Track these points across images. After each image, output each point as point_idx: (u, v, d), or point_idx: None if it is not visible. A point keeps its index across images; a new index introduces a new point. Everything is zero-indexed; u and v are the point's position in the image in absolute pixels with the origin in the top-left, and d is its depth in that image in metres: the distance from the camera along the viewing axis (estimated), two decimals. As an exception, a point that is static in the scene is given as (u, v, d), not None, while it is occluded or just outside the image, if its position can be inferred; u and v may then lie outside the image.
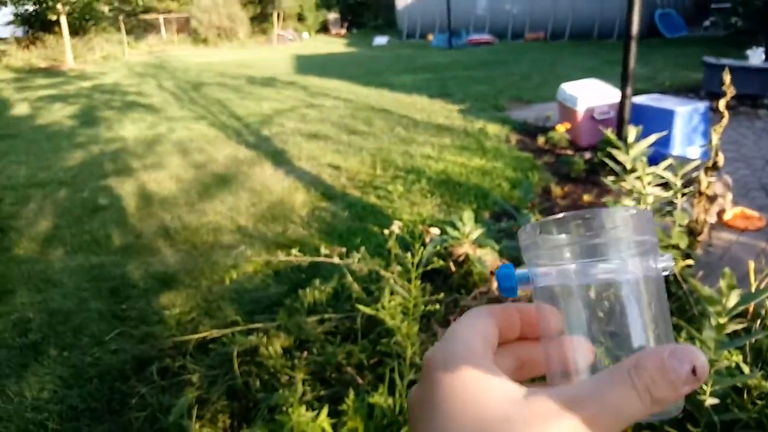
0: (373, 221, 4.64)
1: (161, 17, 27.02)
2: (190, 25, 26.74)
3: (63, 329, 3.23)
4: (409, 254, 2.14)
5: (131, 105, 11.08)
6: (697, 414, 1.88)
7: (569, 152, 6.28)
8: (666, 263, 0.37)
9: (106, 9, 22.52)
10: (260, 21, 28.94)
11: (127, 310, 3.38)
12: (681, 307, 2.75)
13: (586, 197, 5.08)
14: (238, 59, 19.92)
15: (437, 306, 2.21)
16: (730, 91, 2.81)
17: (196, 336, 2.69)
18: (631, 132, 2.86)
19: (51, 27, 20.77)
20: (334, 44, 25.26)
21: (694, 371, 0.32)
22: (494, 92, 10.21)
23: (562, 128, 6.47)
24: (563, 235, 0.37)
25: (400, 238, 2.60)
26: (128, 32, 24.43)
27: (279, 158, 6.77)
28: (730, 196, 4.66)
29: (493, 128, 7.50)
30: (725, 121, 2.89)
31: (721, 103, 2.86)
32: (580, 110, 6.25)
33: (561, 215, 0.38)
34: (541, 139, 6.70)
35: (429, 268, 2.29)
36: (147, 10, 26.04)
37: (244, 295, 3.44)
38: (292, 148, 7.16)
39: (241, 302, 3.34)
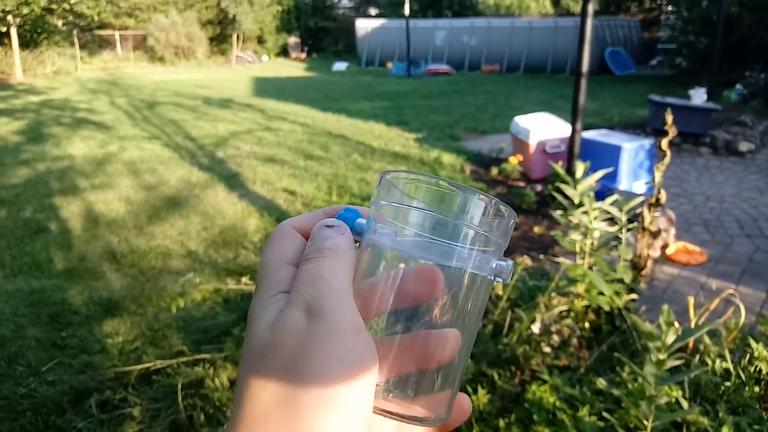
0: (327, 248, 4.61)
1: (117, 33, 26.57)
2: (146, 42, 26.36)
3: (-4, 358, 3.08)
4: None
5: (81, 122, 10.80)
6: (639, 449, 1.92)
7: (521, 184, 6.43)
8: (503, 270, 0.36)
9: (59, 23, 21.99)
10: (219, 41, 28.79)
11: (67, 337, 3.24)
12: (624, 341, 2.81)
13: (537, 229, 5.18)
14: (195, 79, 19.71)
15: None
16: (672, 131, 2.94)
17: (139, 366, 2.60)
18: (579, 167, 2.95)
19: (0, 39, 20.15)
20: (294, 68, 25.31)
21: None
22: (450, 122, 10.39)
23: (514, 160, 6.63)
24: (419, 201, 0.36)
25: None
26: (82, 47, 23.90)
27: (233, 181, 6.69)
28: (673, 231, 4.84)
29: (448, 158, 7.61)
30: (668, 159, 3.01)
31: (664, 142, 2.98)
32: (532, 143, 6.42)
33: (434, 178, 0.36)
34: (494, 170, 6.83)
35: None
36: (102, 25, 25.57)
37: (191, 323, 3.35)
38: (247, 172, 7.09)
39: (188, 331, 3.25)
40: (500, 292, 3.04)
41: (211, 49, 28.12)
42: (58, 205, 5.76)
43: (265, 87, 17.07)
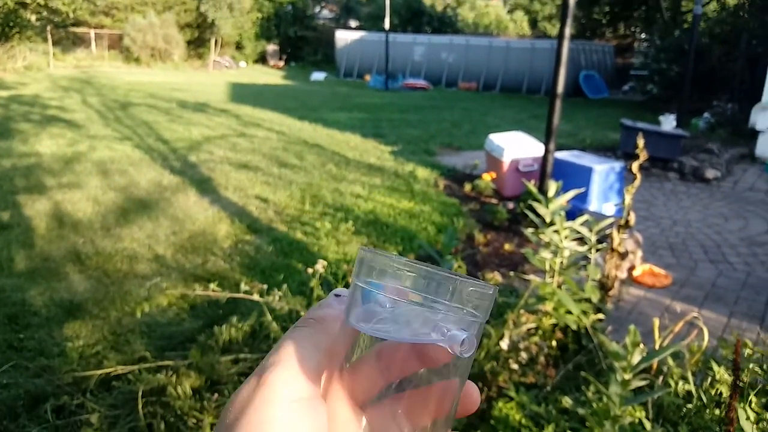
0: (298, 258, 4.58)
1: (92, 32, 26.14)
2: (122, 42, 26.00)
3: (-52, 358, 2.96)
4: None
5: (51, 119, 10.57)
6: (602, 469, 1.93)
7: (494, 201, 6.48)
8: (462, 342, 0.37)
9: (33, 18, 21.55)
10: (197, 45, 28.54)
11: (25, 339, 3.14)
12: (591, 360, 2.84)
13: (507, 246, 5.23)
14: (170, 81, 19.49)
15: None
16: (643, 155, 3.00)
17: (99, 372, 2.53)
18: (552, 187, 2.99)
19: (-31, 30, 19.67)
20: (271, 75, 25.23)
21: None
22: (426, 137, 10.45)
23: (488, 177, 6.69)
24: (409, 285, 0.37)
25: (323, 278, 2.58)
26: (55, 43, 23.43)
27: (205, 186, 6.60)
28: (639, 253, 4.93)
29: (422, 172, 7.65)
30: (638, 182, 3.07)
31: (635, 166, 3.04)
32: (506, 161, 6.49)
33: (416, 264, 0.37)
34: (467, 186, 6.88)
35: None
36: (78, 23, 25.14)
37: (155, 329, 3.28)
38: (220, 177, 7.02)
39: (152, 337, 3.18)
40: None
41: (188, 52, 27.85)
42: (23, 203, 5.61)
43: (242, 93, 16.97)
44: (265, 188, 6.62)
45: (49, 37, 22.65)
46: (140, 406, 2.23)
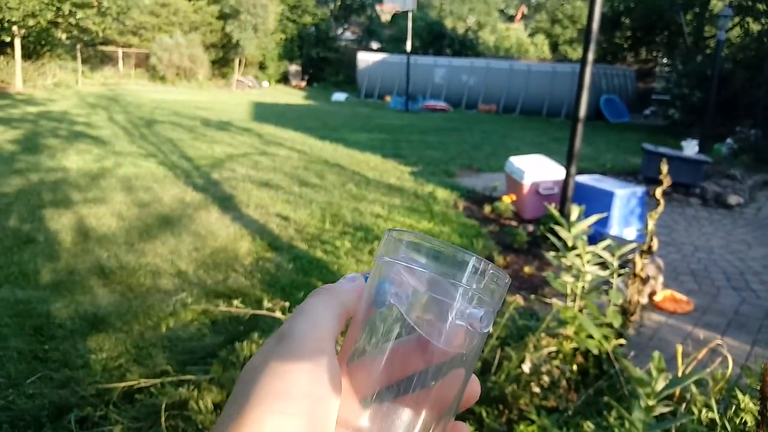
0: (318, 276, 4.61)
1: (120, 50, 26.80)
2: (149, 61, 26.58)
3: (-24, 367, 3.02)
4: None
5: (78, 135, 10.81)
6: (624, 496, 1.90)
7: (513, 223, 6.47)
8: (481, 318, 0.38)
9: (63, 36, 22.17)
10: (221, 65, 29.08)
11: (50, 351, 3.20)
12: (612, 385, 2.81)
13: (527, 269, 5.21)
14: (194, 100, 19.85)
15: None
16: (667, 180, 2.99)
17: (122, 384, 2.57)
18: (574, 211, 2.99)
19: (3, 48, 20.26)
20: (293, 95, 25.57)
21: None
22: (446, 158, 10.50)
23: (507, 199, 6.69)
24: (421, 261, 0.38)
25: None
26: (84, 61, 24.06)
27: (227, 204, 6.69)
28: (661, 278, 4.88)
29: (442, 193, 7.67)
30: (661, 207, 3.06)
31: (658, 191, 3.04)
32: (526, 184, 6.49)
33: (435, 240, 0.38)
34: (487, 208, 6.89)
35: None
36: (106, 42, 25.79)
37: (177, 343, 3.31)
38: (241, 195, 7.11)
39: (174, 351, 3.22)
40: (491, 330, 3.04)
41: (212, 71, 28.38)
42: (49, 217, 5.73)
43: (264, 112, 17.21)
44: (286, 206, 6.69)
45: (79, 55, 23.26)
46: (163, 420, 2.26)
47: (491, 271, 0.38)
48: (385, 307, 0.38)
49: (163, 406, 2.29)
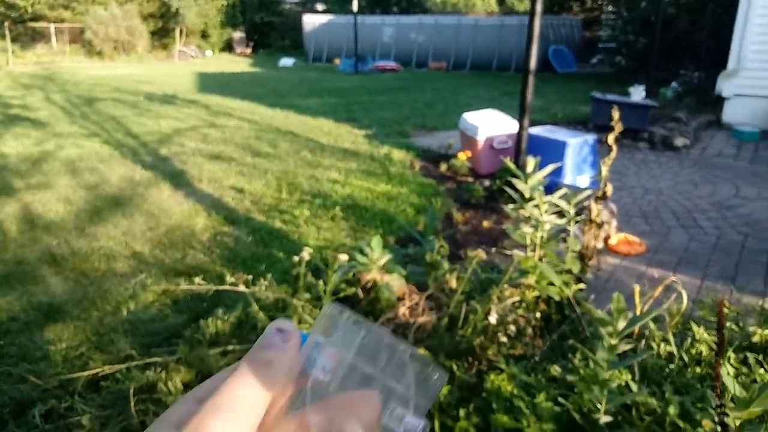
0: (279, 247, 4.56)
1: (52, 26, 25.42)
2: (84, 36, 25.34)
3: (-73, 368, 2.90)
4: (320, 281, 2.11)
5: (14, 119, 10.29)
6: (593, 431, 1.98)
7: (470, 179, 6.52)
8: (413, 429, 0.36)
9: (-13, 14, 20.89)
10: (161, 36, 27.96)
11: (5, 346, 3.09)
12: (574, 329, 2.89)
13: (486, 223, 5.27)
14: (135, 74, 19.09)
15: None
16: (619, 126, 3.04)
17: (85, 373, 2.50)
18: (530, 162, 3.01)
19: None
20: (239, 63, 24.86)
21: None
22: (399, 118, 10.43)
23: (463, 156, 6.71)
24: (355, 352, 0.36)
25: (308, 265, 2.57)
26: (14, 40, 22.75)
27: (178, 180, 6.52)
28: (614, 222, 5.01)
29: (398, 154, 7.65)
30: (614, 153, 3.12)
31: (610, 138, 3.08)
32: (481, 139, 6.52)
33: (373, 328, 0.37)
34: (443, 166, 6.91)
35: (345, 293, 2.28)
36: (36, 17, 24.42)
37: (139, 326, 3.25)
38: (193, 169, 6.93)
39: (136, 334, 3.15)
40: (454, 286, 3.08)
41: (152, 43, 27.28)
42: (-9, 207, 5.48)
43: (210, 82, 16.70)
44: (240, 178, 6.56)
45: (7, 33, 21.97)
46: (132, 404, 2.22)
47: (433, 375, 0.37)
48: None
49: (131, 391, 2.24)
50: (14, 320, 3.39)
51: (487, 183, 6.19)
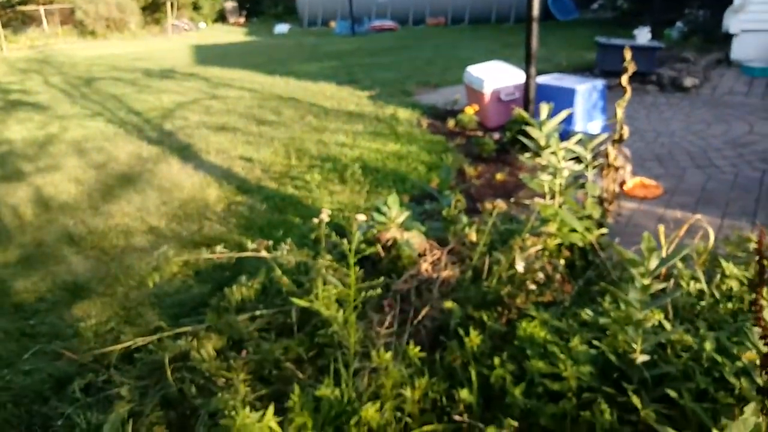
0: (294, 213, 4.56)
1: (42, 8, 25.02)
2: (74, 16, 24.97)
3: (-37, 353, 2.95)
4: (344, 241, 2.11)
5: (15, 104, 10.22)
6: (630, 371, 1.99)
7: (479, 133, 6.45)
8: None
9: (-25, 0, 20.57)
10: (152, 11, 27.50)
11: (37, 325, 3.13)
12: (599, 274, 2.89)
13: (499, 176, 5.23)
14: (131, 51, 18.85)
15: (378, 291, 2.20)
16: (631, 66, 2.97)
17: (118, 346, 2.53)
18: (544, 110, 2.97)
19: None
20: (233, 33, 24.48)
21: None
22: (401, 78, 10.29)
23: (470, 110, 6.63)
24: None
25: (334, 225, 2.58)
26: (5, 26, 22.44)
27: (186, 153, 6.49)
28: (629, 167, 4.97)
29: (403, 113, 7.56)
30: (628, 95, 3.06)
31: (624, 79, 3.02)
32: (487, 92, 6.43)
33: None
34: (451, 122, 6.83)
35: (366, 253, 2.28)
36: (25, 1, 24.04)
37: (165, 298, 3.27)
38: (199, 142, 6.89)
39: (163, 306, 3.18)
40: (474, 239, 3.07)
41: (144, 19, 26.85)
42: (4, 192, 5.49)
43: (207, 54, 16.49)
44: (247, 148, 6.53)
45: (-3, 19, 21.68)
46: (168, 373, 2.25)
47: None
48: None
49: (167, 361, 2.27)
50: (42, 300, 3.42)
51: (496, 136, 6.13)
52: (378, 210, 3.19)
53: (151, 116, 8.54)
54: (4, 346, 2.94)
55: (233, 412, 1.91)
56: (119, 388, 2.31)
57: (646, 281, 1.92)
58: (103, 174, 5.91)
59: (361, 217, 2.80)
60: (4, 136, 7.79)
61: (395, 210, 2.99)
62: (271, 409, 1.89)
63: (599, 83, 6.05)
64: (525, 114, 3.12)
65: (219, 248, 2.60)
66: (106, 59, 16.71)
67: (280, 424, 1.92)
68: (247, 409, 1.89)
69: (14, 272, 3.85)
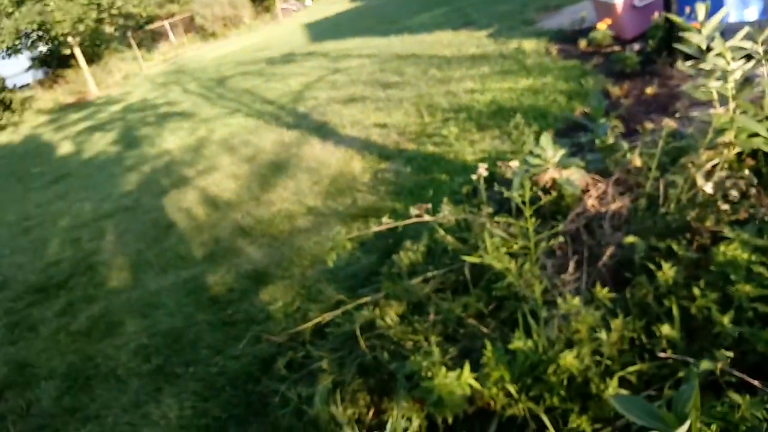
0: (439, 170, 4.56)
1: (166, 23, 27.05)
2: (194, 23, 26.68)
3: (180, 347, 3.34)
4: (512, 192, 2.07)
5: (165, 116, 11.22)
6: None
7: (617, 48, 5.97)
8: None
9: (111, 29, 22.67)
10: (261, 0, 28.58)
11: (233, 314, 3.46)
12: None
13: (649, 90, 4.82)
14: (250, 44, 19.79)
15: (559, 239, 2.14)
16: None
17: (309, 324, 2.72)
18: (701, 8, 2.65)
19: (68, 61, 21.19)
20: (339, 3, 24.72)
21: None
22: (518, 7, 9.78)
23: (603, 26, 6.14)
24: None
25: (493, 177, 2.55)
26: (139, 46, 24.59)
27: (323, 131, 6.72)
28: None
29: (529, 44, 7.20)
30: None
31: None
32: (619, 2, 5.89)
33: None
34: (582, 43, 6.38)
35: (543, 202, 2.23)
36: (150, 20, 26.09)
37: (338, 273, 3.45)
38: (333, 118, 7.10)
39: (338, 281, 3.36)
40: (638, 164, 2.87)
41: (255, 9, 28.01)
42: (176, 198, 6.08)
43: (319, 30, 16.84)
44: (379, 114, 6.61)
45: (132, 42, 23.77)
46: (362, 343, 2.38)
47: None
48: None
49: (358, 331, 2.40)
50: (232, 291, 3.77)
51: (637, 47, 5.63)
52: (531, 152, 3.08)
53: (283, 102, 8.94)
54: (212, 336, 3.29)
55: (429, 374, 1.98)
56: (318, 362, 2.49)
57: None
58: (255, 166, 6.32)
59: (514, 164, 2.73)
60: (163, 148, 8.60)
61: (549, 149, 2.87)
62: (467, 366, 1.93)
63: (751, -40, 5.29)
64: (677, 19, 2.80)
65: (384, 218, 2.68)
66: (230, 57, 17.70)
67: (477, 379, 1.96)
68: (443, 369, 1.95)
69: (203, 269, 4.27)
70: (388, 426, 2.00)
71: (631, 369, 1.83)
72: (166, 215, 5.68)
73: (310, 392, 2.33)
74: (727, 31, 2.86)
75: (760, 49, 2.81)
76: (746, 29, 2.81)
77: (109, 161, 9.03)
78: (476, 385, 1.92)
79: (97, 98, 18.60)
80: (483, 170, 2.49)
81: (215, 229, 4.96)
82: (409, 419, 2.02)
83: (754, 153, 2.69)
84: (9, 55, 19.57)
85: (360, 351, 2.45)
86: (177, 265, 4.51)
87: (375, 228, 2.57)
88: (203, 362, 3.08)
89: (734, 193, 2.12)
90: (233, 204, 5.38)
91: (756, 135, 2.62)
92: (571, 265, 2.30)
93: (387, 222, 2.60)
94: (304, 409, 2.23)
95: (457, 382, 1.93)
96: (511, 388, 1.89)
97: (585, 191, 2.87)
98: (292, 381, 2.51)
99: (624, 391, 1.78)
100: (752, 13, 5.38)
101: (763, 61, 2.84)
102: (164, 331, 3.55)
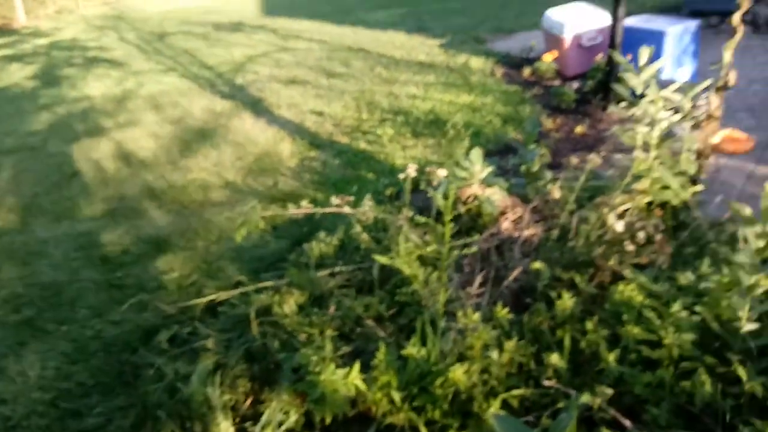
0: (367, 168, 4.51)
1: (113, -35, 25.56)
2: (144, -28, 25.36)
3: (57, 302, 3.11)
4: (437, 196, 2.04)
5: (93, 61, 10.54)
6: (733, 340, 1.85)
7: (557, 83, 6.14)
8: None
9: (53, -41, 21.18)
10: (219, -37, 27.60)
11: (123, 277, 3.25)
12: (692, 235, 2.69)
13: (579, 128, 4.98)
14: (200, 5, 18.99)
15: (473, 249, 2.13)
16: (746, 2, 2.68)
17: (203, 300, 2.59)
18: (644, 53, 2.73)
19: (-4, -18, 19.60)
20: (299, -16, 24.24)
21: None
22: (473, 23, 9.89)
23: (548, 58, 6.30)
24: None
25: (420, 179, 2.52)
26: (79, -17, 23.08)
27: (258, 107, 6.52)
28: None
29: (476, 62, 7.28)
30: (739, 35, 2.78)
31: (736, 17, 2.75)
32: (568, 38, 6.06)
33: None
34: (527, 71, 6.53)
35: (463, 212, 2.20)
36: (97, -43, 24.58)
37: (243, 253, 3.32)
38: (271, 96, 6.90)
39: (243, 261, 3.23)
40: (557, 196, 2.92)
41: (211, -28, 27.00)
42: (87, 147, 5.69)
43: (274, 5, 16.41)
44: (318, 101, 6.48)
45: (73, -24, 22.29)
46: (254, 327, 2.28)
47: None
48: None
49: (252, 314, 2.30)
50: (127, 253, 3.55)
51: (576, 85, 5.81)
52: (457, 164, 3.08)
53: (222, 70, 8.61)
54: (95, 296, 3.08)
55: (317, 368, 1.91)
56: (204, 340, 2.37)
57: (762, 243, 1.75)
58: (180, 129, 6.03)
59: (441, 173, 2.71)
60: (85, 93, 8.06)
61: (478, 164, 2.88)
62: (356, 366, 1.88)
63: (692, 24, 5.59)
64: (621, 59, 2.88)
65: (303, 203, 2.59)
66: (177, 13, 16.94)
67: (364, 381, 1.91)
68: (332, 365, 1.89)
69: (100, 225, 4.01)
70: (263, 417, 1.91)
71: (515, 392, 1.84)
72: (72, 162, 5.30)
73: (189, 370, 2.20)
74: (660, 86, 2.97)
75: (688, 105, 2.94)
76: (679, 83, 2.93)
77: (22, 95, 8.37)
78: (362, 386, 1.87)
79: (23, 27, 17.26)
80: (412, 170, 2.45)
81: (123, 185, 4.68)
82: (287, 413, 1.94)
83: (664, 204, 2.80)
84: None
85: (250, 336, 2.35)
86: (73, 217, 4.20)
87: (293, 210, 2.48)
88: (79, 322, 2.87)
89: (641, 236, 2.18)
90: (148, 164, 5.10)
91: (668, 188, 2.73)
92: (477, 282, 2.29)
93: (306, 207, 2.51)
94: (179, 386, 2.10)
95: (344, 381, 1.87)
96: (396, 396, 1.85)
97: (503, 213, 2.90)
98: (172, 356, 2.37)
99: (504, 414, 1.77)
100: (685, 74, 5.68)
101: (689, 118, 2.97)
102: (44, 283, 3.28)
